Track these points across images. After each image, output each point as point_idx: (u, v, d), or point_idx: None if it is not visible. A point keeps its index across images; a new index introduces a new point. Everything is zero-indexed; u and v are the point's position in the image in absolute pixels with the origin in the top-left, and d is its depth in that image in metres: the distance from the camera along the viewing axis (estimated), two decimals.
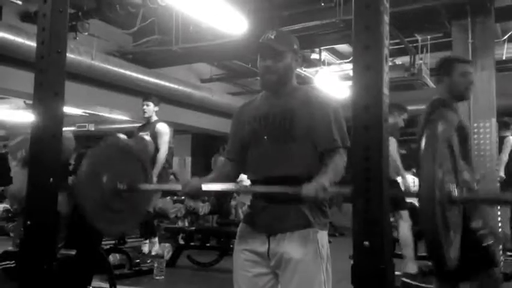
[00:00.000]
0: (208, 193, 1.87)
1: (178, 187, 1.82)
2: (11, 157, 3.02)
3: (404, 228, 4.14)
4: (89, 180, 1.85)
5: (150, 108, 4.97)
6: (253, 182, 1.79)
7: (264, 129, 1.73)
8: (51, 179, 1.81)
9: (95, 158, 1.92)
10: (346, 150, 1.68)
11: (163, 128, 4.91)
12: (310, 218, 1.67)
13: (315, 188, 1.49)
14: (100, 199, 1.85)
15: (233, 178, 1.91)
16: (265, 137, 1.72)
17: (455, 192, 1.38)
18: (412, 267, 4.09)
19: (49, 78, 1.80)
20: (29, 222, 1.79)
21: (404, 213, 4.20)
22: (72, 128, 11.40)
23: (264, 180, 1.72)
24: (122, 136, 3.26)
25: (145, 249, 4.93)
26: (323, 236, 1.70)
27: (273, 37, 1.73)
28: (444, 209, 1.32)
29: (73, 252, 2.48)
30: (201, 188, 1.72)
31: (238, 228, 1.81)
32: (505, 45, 6.37)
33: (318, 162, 1.68)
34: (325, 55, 7.47)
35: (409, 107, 7.71)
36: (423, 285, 3.96)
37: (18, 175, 2.99)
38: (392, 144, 4.23)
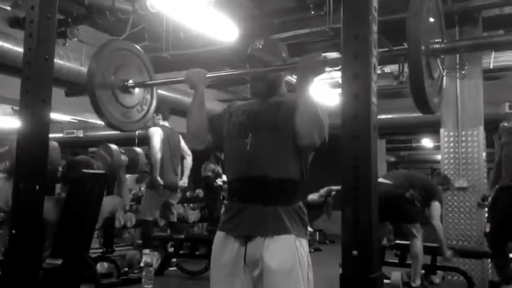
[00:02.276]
0: (213, 79, 1.96)
1: (183, 78, 2.02)
2: None
3: (417, 244, 4.12)
4: (100, 76, 2.02)
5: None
6: (231, 182, 1.75)
7: (250, 123, 1.73)
8: (37, 187, 1.79)
9: (106, 57, 2.09)
10: (321, 140, 1.63)
11: (149, 132, 4.96)
12: (288, 224, 1.63)
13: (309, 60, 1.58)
14: (111, 94, 2.06)
15: (204, 128, 1.87)
16: (250, 132, 1.70)
17: (440, 44, 1.54)
18: (417, 281, 4.10)
19: (36, 85, 1.78)
20: (14, 231, 1.76)
21: (414, 228, 4.19)
22: (61, 135, 11.32)
23: (243, 180, 1.69)
24: (114, 147, 3.24)
25: (148, 259, 4.82)
26: (302, 243, 1.65)
27: (260, 47, 1.75)
28: (428, 59, 1.47)
29: (59, 261, 2.44)
30: (205, 75, 1.93)
31: (215, 238, 1.77)
32: (492, 54, 6.44)
33: (299, 165, 1.68)
34: None
35: (398, 115, 7.85)
36: None
37: (4, 187, 2.95)
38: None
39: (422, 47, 1.42)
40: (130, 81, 2.16)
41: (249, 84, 1.80)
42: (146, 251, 4.73)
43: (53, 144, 2.92)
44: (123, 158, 3.24)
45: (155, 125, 5.07)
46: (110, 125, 2.13)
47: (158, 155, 4.87)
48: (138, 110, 2.25)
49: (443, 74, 1.67)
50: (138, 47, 2.32)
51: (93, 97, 2.00)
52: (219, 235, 1.75)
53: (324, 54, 1.62)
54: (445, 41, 1.62)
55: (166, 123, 5.16)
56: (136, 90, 2.23)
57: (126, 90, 2.15)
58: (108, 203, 2.94)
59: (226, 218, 1.75)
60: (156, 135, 4.92)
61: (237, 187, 1.72)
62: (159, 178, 4.87)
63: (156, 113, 5.06)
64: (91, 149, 11.94)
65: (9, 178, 2.98)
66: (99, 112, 2.03)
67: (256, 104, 1.80)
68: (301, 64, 1.61)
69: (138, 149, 3.40)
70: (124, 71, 2.15)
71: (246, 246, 1.65)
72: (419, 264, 4.14)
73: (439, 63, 1.61)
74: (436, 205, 4.25)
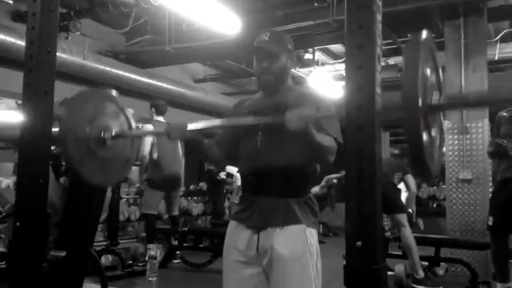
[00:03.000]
0: (195, 133, 1.82)
1: (162, 131, 1.80)
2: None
3: (406, 233, 4.14)
4: (72, 130, 1.83)
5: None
6: (244, 176, 1.79)
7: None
8: (41, 180, 1.79)
9: (77, 107, 1.90)
10: (336, 142, 1.64)
11: None
12: (298, 214, 1.67)
13: (297, 116, 1.49)
14: (85, 148, 1.85)
15: (220, 158, 1.91)
16: (259, 131, 1.73)
17: (437, 100, 1.42)
18: (420, 273, 4.09)
19: (38, 78, 1.78)
20: (18, 224, 1.77)
21: (403, 218, 4.20)
22: None
23: (255, 174, 1.73)
24: None
25: (153, 252, 4.82)
26: (312, 233, 1.70)
27: (267, 39, 1.76)
28: (426, 115, 1.33)
29: (63, 254, 2.45)
30: (186, 129, 1.72)
31: (228, 227, 1.81)
32: (498, 46, 6.40)
33: (310, 159, 1.69)
34: (318, 55, 7.48)
35: None
36: None
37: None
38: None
39: (420, 104, 1.27)
40: (107, 134, 1.93)
41: (255, 78, 1.82)
42: (150, 245, 4.74)
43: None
44: None
45: (150, 119, 5.07)
46: (90, 182, 1.98)
47: (145, 159, 4.86)
48: (118, 159, 2.05)
49: (444, 131, 1.54)
50: (114, 92, 2.14)
51: (68, 157, 1.83)
52: (232, 224, 1.80)
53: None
54: (443, 95, 1.46)
55: (160, 118, 5.07)
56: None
57: (104, 143, 1.94)
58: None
59: (240, 208, 1.79)
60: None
61: (249, 180, 1.76)
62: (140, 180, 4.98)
63: (150, 107, 5.11)
64: None
65: None
66: (78, 169, 1.87)
67: (262, 100, 1.82)
68: (289, 118, 1.51)
69: (130, 110, 3.30)
70: (100, 121, 1.94)
71: (259, 235, 1.69)
72: (416, 254, 4.13)
73: (439, 119, 1.50)
74: (410, 176, 4.64)
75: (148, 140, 4.85)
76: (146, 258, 4.54)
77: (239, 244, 1.72)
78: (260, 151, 1.71)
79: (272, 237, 1.66)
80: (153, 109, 5.09)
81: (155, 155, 4.90)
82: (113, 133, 1.92)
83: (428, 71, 1.38)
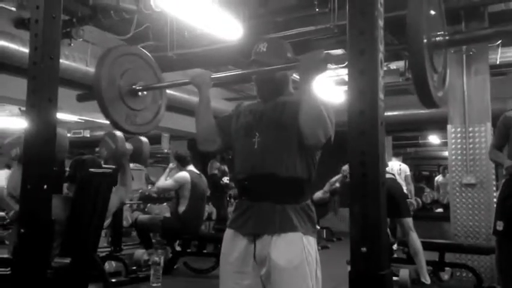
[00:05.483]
0: (217, 80, 2.01)
1: (187, 80, 2.03)
2: (6, 157, 3.03)
3: (414, 237, 4.13)
4: (107, 82, 2.05)
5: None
6: (240, 181, 1.77)
7: (257, 122, 1.74)
8: (45, 186, 1.79)
9: (111, 63, 2.13)
10: (326, 137, 1.64)
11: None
12: (295, 221, 1.64)
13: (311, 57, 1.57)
14: (119, 98, 2.08)
15: (213, 130, 1.92)
16: (257, 131, 1.72)
17: (441, 37, 1.51)
18: (427, 278, 4.08)
19: (42, 84, 1.78)
20: (22, 230, 1.77)
21: (410, 222, 4.20)
22: (68, 135, 11.35)
23: (251, 178, 1.71)
24: (119, 134, 3.18)
25: (145, 256, 4.91)
26: (310, 241, 1.67)
27: (265, 49, 1.74)
28: (431, 52, 1.44)
29: (68, 260, 2.45)
30: (210, 77, 1.92)
31: (224, 236, 1.78)
32: (499, 50, 6.39)
33: (306, 164, 1.69)
34: None
35: (404, 112, 7.81)
36: None
37: (15, 172, 2.98)
38: None
39: (424, 40, 1.39)
40: (138, 85, 2.19)
41: (255, 88, 1.81)
42: (150, 251, 4.80)
43: (61, 132, 2.94)
44: (128, 146, 3.21)
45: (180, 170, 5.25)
46: (121, 130, 2.21)
47: (163, 191, 5.32)
48: (149, 111, 2.31)
49: (447, 68, 1.66)
50: (145, 51, 2.40)
51: (102, 103, 2.04)
52: (228, 233, 1.77)
53: (327, 51, 1.61)
54: (447, 33, 1.60)
55: (191, 167, 5.32)
56: (145, 92, 2.26)
57: (135, 93, 2.17)
58: (114, 198, 2.93)
59: (235, 215, 1.77)
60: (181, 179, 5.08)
61: (245, 186, 1.74)
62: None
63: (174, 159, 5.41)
64: (98, 149, 12.03)
65: (20, 164, 2.99)
66: (108, 117, 2.07)
67: (263, 104, 1.81)
68: (303, 63, 1.60)
69: (143, 138, 3.34)
70: (131, 75, 2.20)
71: (255, 243, 1.66)
72: (422, 258, 4.13)
73: (442, 56, 1.59)
74: None
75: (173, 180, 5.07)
76: (150, 262, 4.55)
77: (236, 254, 1.69)
78: (257, 153, 1.69)
79: (269, 245, 1.63)
80: (176, 162, 5.32)
81: (181, 209, 4.96)
82: (141, 85, 2.17)
83: (432, 11, 1.49)
